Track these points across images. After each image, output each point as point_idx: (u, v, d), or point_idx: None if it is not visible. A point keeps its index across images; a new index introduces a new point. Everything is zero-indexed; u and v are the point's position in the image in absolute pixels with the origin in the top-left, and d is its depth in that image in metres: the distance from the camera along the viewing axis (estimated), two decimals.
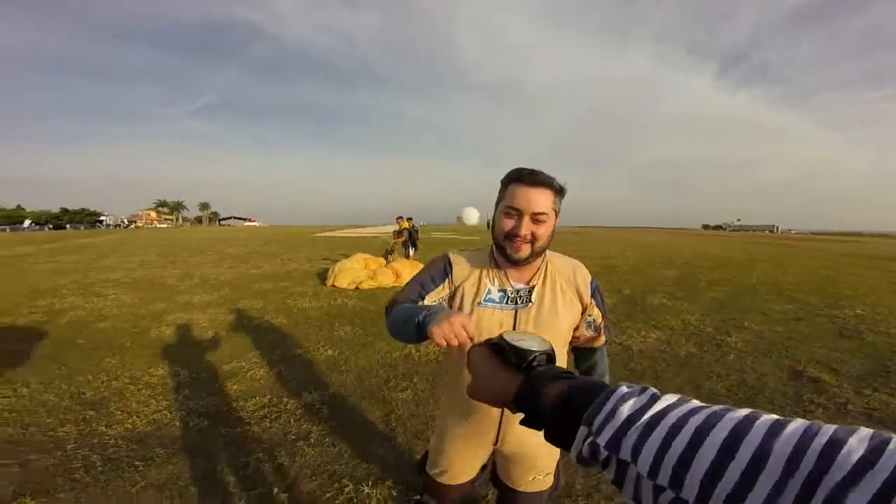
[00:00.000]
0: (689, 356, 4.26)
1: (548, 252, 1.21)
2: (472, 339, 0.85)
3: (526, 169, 1.08)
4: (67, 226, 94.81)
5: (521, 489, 1.30)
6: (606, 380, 1.39)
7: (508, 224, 1.08)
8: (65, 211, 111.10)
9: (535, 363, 0.52)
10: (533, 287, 1.16)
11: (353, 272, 8.21)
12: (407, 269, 8.59)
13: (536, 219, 1.07)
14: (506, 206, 1.08)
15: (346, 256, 9.98)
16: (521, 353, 0.53)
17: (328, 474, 2.28)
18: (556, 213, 1.12)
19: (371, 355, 4.18)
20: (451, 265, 1.18)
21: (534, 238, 1.08)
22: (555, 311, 1.16)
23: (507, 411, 1.12)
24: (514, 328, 1.12)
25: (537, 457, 1.27)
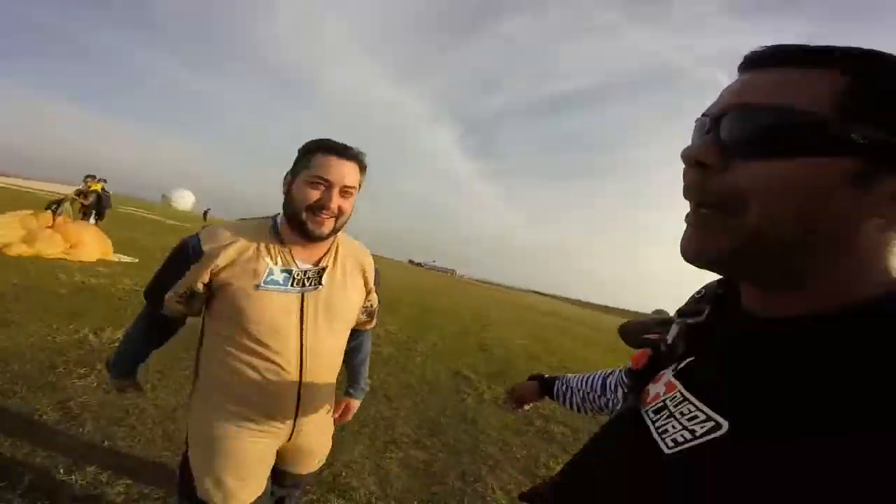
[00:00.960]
0: (389, 356, 5.18)
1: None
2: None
3: (333, 140, 1.01)
4: None
5: (302, 473, 1.23)
6: (367, 363, 1.39)
7: (314, 195, 0.97)
8: None
9: None
10: (324, 269, 1.06)
11: (1, 228, 5.71)
12: (89, 237, 6.55)
13: (345, 191, 1.00)
14: (313, 175, 0.97)
15: None
16: None
17: None
18: (359, 190, 1.06)
19: (19, 337, 3.11)
20: (198, 246, 0.97)
21: (340, 212, 1.01)
22: (345, 297, 1.09)
23: (304, 395, 1.04)
24: (300, 314, 1.01)
25: (322, 444, 1.24)
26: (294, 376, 1.02)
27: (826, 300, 0.36)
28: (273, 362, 0.99)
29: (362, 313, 1.23)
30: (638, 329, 0.73)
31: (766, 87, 0.37)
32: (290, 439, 1.10)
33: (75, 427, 2.15)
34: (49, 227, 6.31)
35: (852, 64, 0.35)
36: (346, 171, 0.99)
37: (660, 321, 0.64)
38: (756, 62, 0.39)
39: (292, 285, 1.00)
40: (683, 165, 0.40)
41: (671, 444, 0.38)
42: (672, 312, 0.57)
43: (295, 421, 1.07)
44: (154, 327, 1.13)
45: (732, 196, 0.36)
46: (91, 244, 6.48)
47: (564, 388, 1.07)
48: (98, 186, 9.60)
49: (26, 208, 6.85)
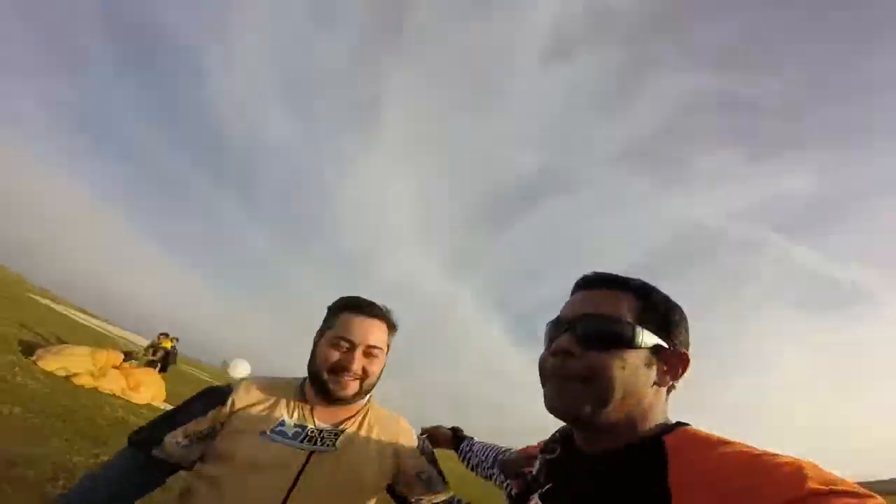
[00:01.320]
0: None
1: (372, 398, 1.05)
2: None
3: (361, 297, 0.99)
4: None
5: None
6: None
7: (335, 356, 0.93)
8: None
9: None
10: (342, 431, 0.95)
11: (74, 359, 6.36)
12: (149, 384, 7.00)
13: (370, 352, 0.95)
14: (335, 335, 0.94)
15: (61, 341, 7.75)
16: None
17: None
18: (387, 351, 1.02)
19: (39, 447, 3.22)
20: (231, 390, 0.97)
21: (364, 374, 0.95)
22: (360, 466, 0.95)
23: None
24: (299, 472, 0.88)
25: None
26: None
27: (622, 440, 0.54)
28: None
29: (418, 483, 1.03)
30: (515, 463, 0.90)
31: (600, 303, 0.58)
32: None
33: None
34: (116, 368, 6.91)
35: (639, 291, 0.58)
36: (371, 331, 0.96)
37: (530, 457, 0.83)
38: (588, 284, 0.62)
39: (302, 441, 0.91)
40: (544, 352, 0.61)
41: None
42: None
43: None
44: (135, 472, 0.92)
45: (586, 374, 0.54)
46: (147, 390, 6.89)
47: (468, 448, 1.15)
48: (169, 344, 10.50)
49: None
